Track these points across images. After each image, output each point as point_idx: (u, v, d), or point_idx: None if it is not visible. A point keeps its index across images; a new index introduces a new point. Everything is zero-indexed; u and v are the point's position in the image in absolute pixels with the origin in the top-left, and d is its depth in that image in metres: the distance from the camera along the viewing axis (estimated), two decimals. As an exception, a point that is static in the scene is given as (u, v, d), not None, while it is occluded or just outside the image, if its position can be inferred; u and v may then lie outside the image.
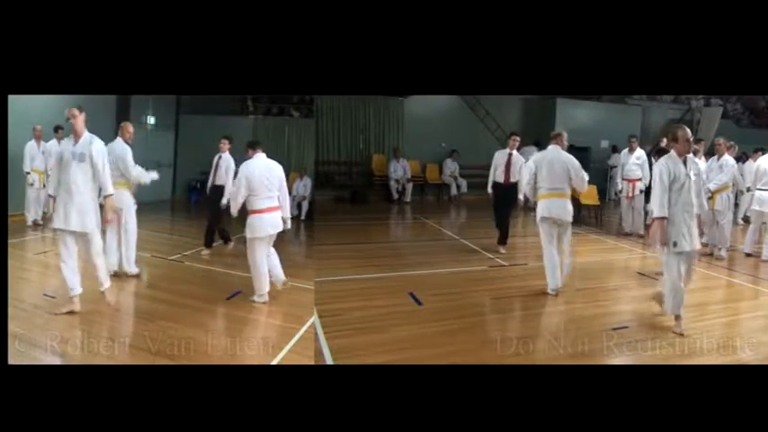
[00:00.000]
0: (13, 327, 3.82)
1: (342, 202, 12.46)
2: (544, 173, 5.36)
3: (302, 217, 11.35)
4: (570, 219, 5.38)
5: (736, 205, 8.65)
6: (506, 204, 7.31)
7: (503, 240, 7.31)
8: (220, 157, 7.25)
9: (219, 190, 7.14)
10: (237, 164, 6.05)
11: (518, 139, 7.48)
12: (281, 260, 5.44)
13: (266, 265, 5.23)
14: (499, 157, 7.36)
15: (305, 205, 11.42)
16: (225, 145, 7.28)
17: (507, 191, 7.22)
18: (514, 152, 7.29)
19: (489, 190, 7.46)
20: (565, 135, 5.59)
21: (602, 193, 11.45)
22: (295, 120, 13.88)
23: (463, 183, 13.29)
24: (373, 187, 12.64)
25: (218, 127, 12.24)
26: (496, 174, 7.33)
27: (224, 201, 7.05)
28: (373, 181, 12.87)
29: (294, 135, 13.51)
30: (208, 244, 7.31)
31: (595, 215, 10.10)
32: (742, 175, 8.74)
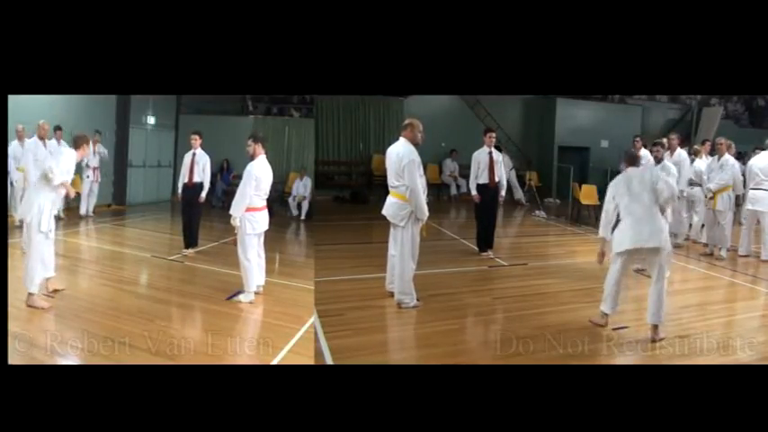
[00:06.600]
0: (13, 327, 3.82)
1: (342, 202, 12.46)
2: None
3: (302, 217, 11.36)
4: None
5: (738, 205, 8.61)
6: (492, 207, 7.08)
7: (489, 245, 7.07)
8: (195, 154, 7.20)
9: (198, 187, 7.17)
10: (242, 163, 6.01)
11: (494, 135, 7.22)
12: (281, 260, 5.43)
13: (257, 262, 5.27)
14: (480, 157, 7.08)
15: (305, 205, 11.43)
16: (197, 141, 7.24)
17: (492, 192, 7.07)
18: (494, 150, 7.10)
19: (474, 192, 7.09)
20: None
21: (602, 193, 11.41)
22: (295, 120, 13.88)
23: (463, 183, 13.26)
24: (373, 187, 12.62)
25: (218, 127, 12.31)
26: (480, 175, 7.04)
27: (203, 195, 7.19)
28: (373, 181, 12.85)
29: (294, 135, 13.52)
30: (193, 244, 7.27)
31: (595, 215, 10.10)
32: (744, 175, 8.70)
